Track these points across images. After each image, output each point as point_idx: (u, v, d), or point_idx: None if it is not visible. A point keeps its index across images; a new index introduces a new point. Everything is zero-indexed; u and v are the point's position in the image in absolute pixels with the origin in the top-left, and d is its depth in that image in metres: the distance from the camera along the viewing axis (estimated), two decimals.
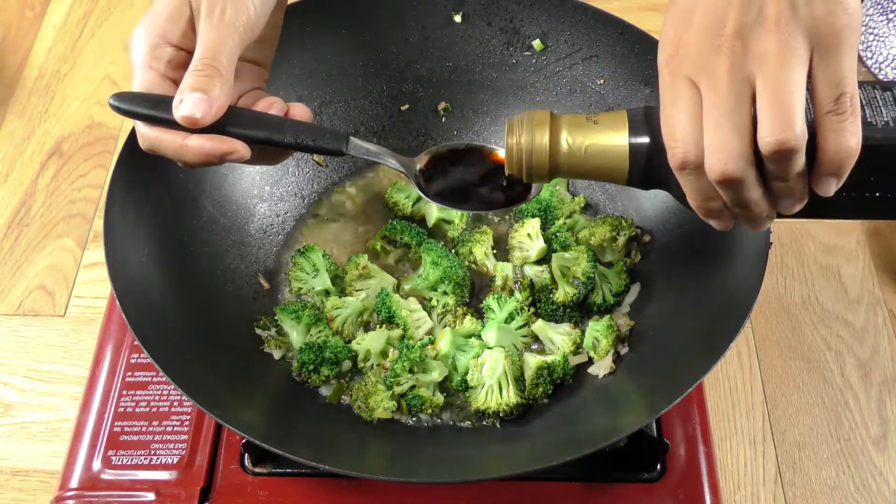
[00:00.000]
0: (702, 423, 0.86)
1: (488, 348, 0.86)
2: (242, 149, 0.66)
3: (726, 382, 1.01)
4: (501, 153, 0.76)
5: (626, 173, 0.63)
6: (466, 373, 0.85)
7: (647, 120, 0.63)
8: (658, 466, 0.83)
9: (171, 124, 0.65)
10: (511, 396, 0.82)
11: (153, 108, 0.66)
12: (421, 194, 0.77)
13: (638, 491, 0.82)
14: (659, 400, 0.71)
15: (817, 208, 0.61)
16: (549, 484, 0.82)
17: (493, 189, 0.77)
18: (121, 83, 1.34)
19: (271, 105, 0.70)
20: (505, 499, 0.82)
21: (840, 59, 0.53)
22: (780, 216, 0.62)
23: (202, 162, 0.66)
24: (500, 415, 0.82)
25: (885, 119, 0.58)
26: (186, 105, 0.63)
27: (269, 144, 0.69)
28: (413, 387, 0.83)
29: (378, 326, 0.89)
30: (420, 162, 0.77)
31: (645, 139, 0.62)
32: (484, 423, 0.84)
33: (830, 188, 0.57)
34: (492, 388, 0.83)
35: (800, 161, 0.55)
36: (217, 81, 0.64)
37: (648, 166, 0.63)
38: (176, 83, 0.66)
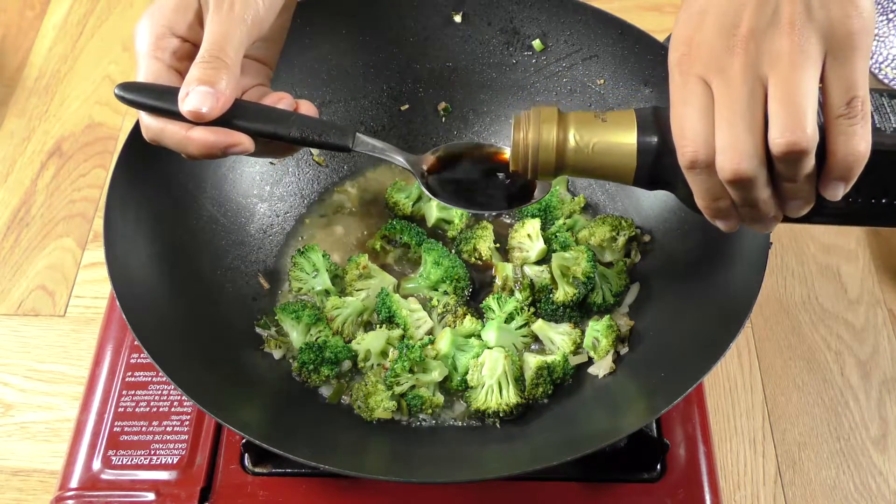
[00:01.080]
0: (702, 423, 0.86)
1: (488, 348, 0.86)
2: (247, 142, 0.66)
3: (726, 382, 1.01)
4: (507, 153, 0.76)
5: (633, 172, 0.63)
6: (466, 373, 0.85)
7: (655, 120, 0.63)
8: (658, 466, 0.83)
9: (176, 115, 0.65)
10: (511, 396, 0.82)
11: (158, 99, 0.65)
12: (426, 192, 0.77)
13: (638, 491, 0.82)
14: (659, 400, 0.71)
15: (823, 213, 0.61)
16: (549, 484, 0.82)
17: (498, 190, 0.77)
18: None
19: (279, 100, 0.70)
20: (505, 499, 0.82)
21: (853, 63, 0.53)
22: (786, 219, 0.62)
23: (206, 154, 0.66)
24: (500, 415, 0.82)
25: (894, 125, 0.58)
26: (192, 99, 0.63)
27: (274, 139, 0.68)
28: (413, 387, 0.83)
29: (378, 326, 0.89)
30: (426, 162, 0.77)
31: (654, 138, 0.62)
32: (484, 423, 0.84)
33: (838, 192, 0.57)
34: (492, 388, 0.83)
35: (809, 163, 0.55)
36: (224, 74, 0.64)
37: (656, 166, 0.62)
38: (181, 74, 0.66)
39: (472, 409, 0.84)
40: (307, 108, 0.71)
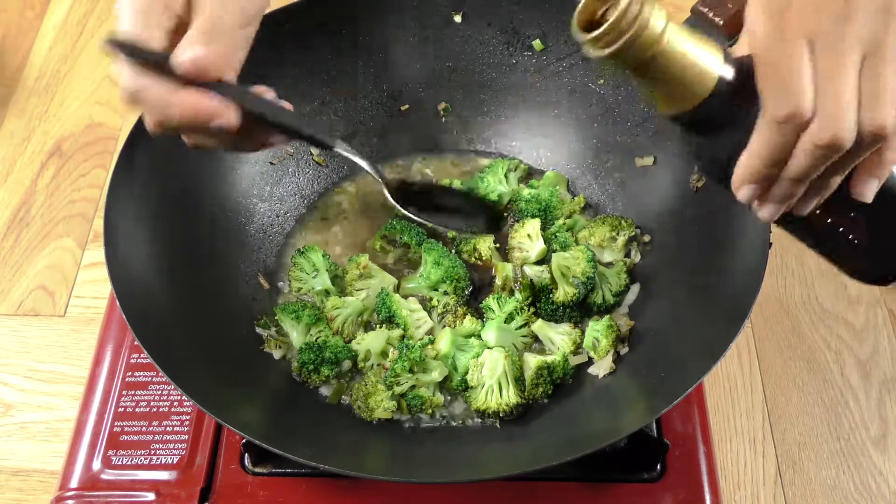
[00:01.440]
0: (702, 423, 0.86)
1: (488, 348, 0.86)
2: (233, 115, 0.62)
3: (726, 382, 1.01)
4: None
5: (703, 96, 0.60)
6: (466, 373, 0.85)
7: (737, 62, 0.62)
8: (658, 466, 0.83)
9: (166, 72, 0.61)
10: (511, 396, 0.82)
11: (151, 53, 0.61)
12: (391, 201, 0.83)
13: (638, 491, 0.82)
14: (659, 400, 0.71)
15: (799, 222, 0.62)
16: (549, 484, 0.82)
17: (463, 219, 0.88)
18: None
19: (265, 92, 0.68)
20: (505, 499, 0.82)
21: None
22: (789, 216, 0.62)
23: (187, 121, 0.61)
24: (500, 415, 0.82)
25: None
26: (191, 50, 0.60)
27: (264, 121, 0.67)
28: (413, 387, 0.83)
29: (378, 326, 0.89)
30: (393, 184, 0.83)
31: (736, 74, 0.61)
32: (484, 423, 0.84)
33: (870, 190, 0.58)
34: (492, 388, 0.83)
35: (867, 154, 0.56)
36: (222, 39, 0.62)
37: (724, 102, 0.60)
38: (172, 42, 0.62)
39: (472, 409, 0.84)
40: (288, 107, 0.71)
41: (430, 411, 0.84)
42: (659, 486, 0.82)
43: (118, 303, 0.73)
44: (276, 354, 0.88)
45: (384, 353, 0.87)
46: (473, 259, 0.94)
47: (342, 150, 0.74)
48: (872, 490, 0.93)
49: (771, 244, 0.76)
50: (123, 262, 0.77)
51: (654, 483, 0.82)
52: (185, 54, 0.60)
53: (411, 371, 0.83)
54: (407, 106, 1.04)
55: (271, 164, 0.99)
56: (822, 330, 1.04)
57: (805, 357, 1.02)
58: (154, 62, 0.61)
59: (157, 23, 0.62)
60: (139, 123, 0.85)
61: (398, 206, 0.82)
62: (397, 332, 0.88)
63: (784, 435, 0.96)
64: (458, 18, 1.00)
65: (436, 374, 0.84)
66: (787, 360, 1.02)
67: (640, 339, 0.87)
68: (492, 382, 0.83)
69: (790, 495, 0.93)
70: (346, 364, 0.87)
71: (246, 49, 0.67)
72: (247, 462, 0.84)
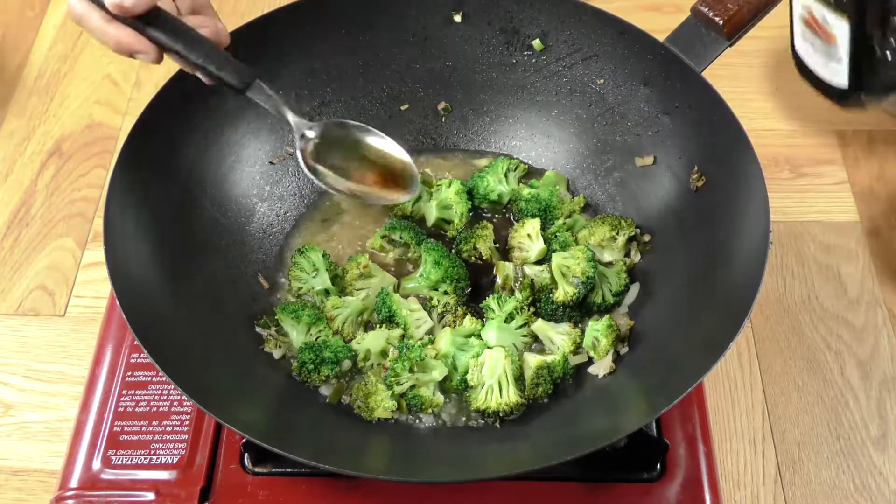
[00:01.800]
0: (702, 423, 0.86)
1: (488, 348, 0.86)
2: (153, 52, 0.73)
3: (726, 382, 1.01)
4: (395, 151, 0.85)
5: None
6: (466, 372, 0.85)
7: None
8: (658, 466, 0.83)
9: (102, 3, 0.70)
10: (511, 396, 0.82)
11: None
12: (300, 159, 0.83)
13: (638, 491, 0.82)
14: (659, 400, 0.71)
15: None
16: (549, 484, 0.82)
17: (377, 180, 0.86)
18: (121, 83, 1.34)
19: (203, 23, 0.75)
20: (505, 499, 0.82)
21: None
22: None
23: (117, 51, 0.72)
24: (500, 414, 0.82)
25: None
26: None
27: (177, 57, 0.75)
28: (413, 386, 0.83)
29: (378, 326, 0.89)
30: (314, 129, 0.83)
31: None
32: (484, 422, 0.84)
33: None
34: (492, 387, 0.83)
35: None
36: None
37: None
38: None
39: (473, 409, 0.84)
40: (221, 35, 0.77)
41: (430, 411, 0.84)
42: (659, 486, 0.82)
43: (118, 303, 0.73)
44: (276, 354, 0.88)
45: (384, 353, 0.87)
46: (473, 258, 0.94)
47: (253, 94, 0.77)
48: (872, 490, 0.93)
49: (771, 244, 0.76)
50: (123, 262, 0.77)
51: (654, 483, 0.82)
52: None
53: (411, 371, 0.83)
54: (407, 106, 1.04)
55: (271, 163, 0.99)
56: (822, 330, 1.04)
57: (805, 357, 1.02)
58: None
59: None
60: (139, 123, 0.85)
61: (310, 174, 0.85)
62: (397, 332, 0.88)
63: (784, 435, 0.96)
64: (458, 18, 1.00)
65: (436, 374, 0.84)
66: (787, 360, 1.02)
67: (640, 339, 0.87)
68: (492, 382, 0.83)
69: (790, 495, 0.93)
70: (346, 364, 0.87)
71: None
72: (247, 462, 0.84)
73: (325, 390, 0.86)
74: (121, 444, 0.85)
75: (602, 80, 0.98)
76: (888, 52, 0.70)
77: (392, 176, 0.89)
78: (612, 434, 0.71)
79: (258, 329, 0.90)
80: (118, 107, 1.31)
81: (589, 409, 0.82)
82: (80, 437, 0.86)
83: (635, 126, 0.96)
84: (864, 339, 1.03)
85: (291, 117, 0.82)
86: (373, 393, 0.83)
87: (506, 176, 1.00)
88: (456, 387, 0.85)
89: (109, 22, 0.71)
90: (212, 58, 0.75)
